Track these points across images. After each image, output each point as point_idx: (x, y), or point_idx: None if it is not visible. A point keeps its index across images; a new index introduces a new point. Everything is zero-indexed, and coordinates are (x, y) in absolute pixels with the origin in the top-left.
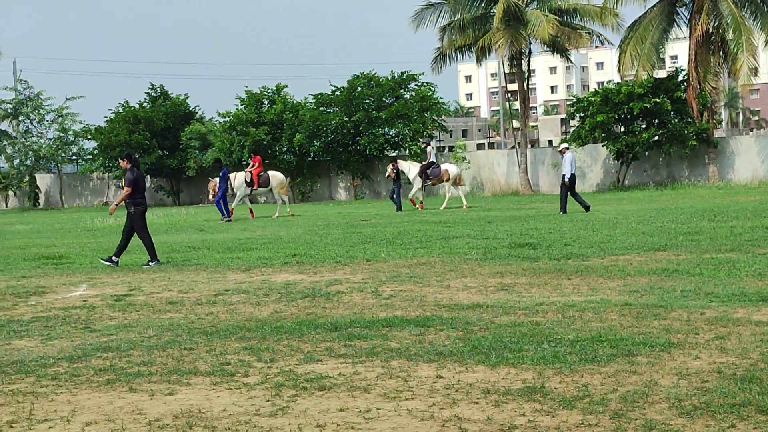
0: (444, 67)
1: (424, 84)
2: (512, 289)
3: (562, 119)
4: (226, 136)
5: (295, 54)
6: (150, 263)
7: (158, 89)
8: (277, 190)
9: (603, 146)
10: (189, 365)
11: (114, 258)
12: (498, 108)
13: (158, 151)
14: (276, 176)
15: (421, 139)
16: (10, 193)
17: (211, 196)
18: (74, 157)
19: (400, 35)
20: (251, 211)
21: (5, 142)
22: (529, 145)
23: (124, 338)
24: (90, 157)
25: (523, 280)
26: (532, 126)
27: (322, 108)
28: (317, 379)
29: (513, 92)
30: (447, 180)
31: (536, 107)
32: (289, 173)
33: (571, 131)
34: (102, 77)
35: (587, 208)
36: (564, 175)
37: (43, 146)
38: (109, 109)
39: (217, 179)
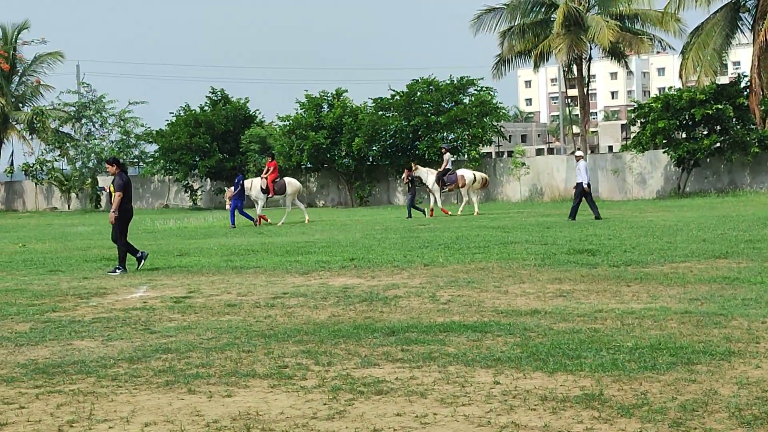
0: (504, 73)
1: (484, 89)
2: (571, 295)
3: (622, 125)
4: (286, 139)
5: (355, 59)
6: (117, 270)
7: (219, 93)
8: (292, 197)
9: (664, 153)
10: (247, 367)
11: (140, 254)
12: (558, 113)
13: (218, 154)
14: (292, 183)
15: (443, 147)
16: (73, 194)
17: (227, 206)
18: (135, 160)
19: (459, 40)
20: (260, 219)
21: (68, 145)
22: (588, 151)
23: (183, 340)
24: (151, 160)
25: (581, 287)
26: (592, 131)
27: (381, 112)
28: (374, 383)
29: (573, 97)
30: (463, 185)
31: (596, 113)
32: (348, 177)
33: (632, 137)
34: (163, 81)
35: (598, 217)
36: (580, 183)
37: (105, 149)
38: (171, 113)
39: (232, 188)
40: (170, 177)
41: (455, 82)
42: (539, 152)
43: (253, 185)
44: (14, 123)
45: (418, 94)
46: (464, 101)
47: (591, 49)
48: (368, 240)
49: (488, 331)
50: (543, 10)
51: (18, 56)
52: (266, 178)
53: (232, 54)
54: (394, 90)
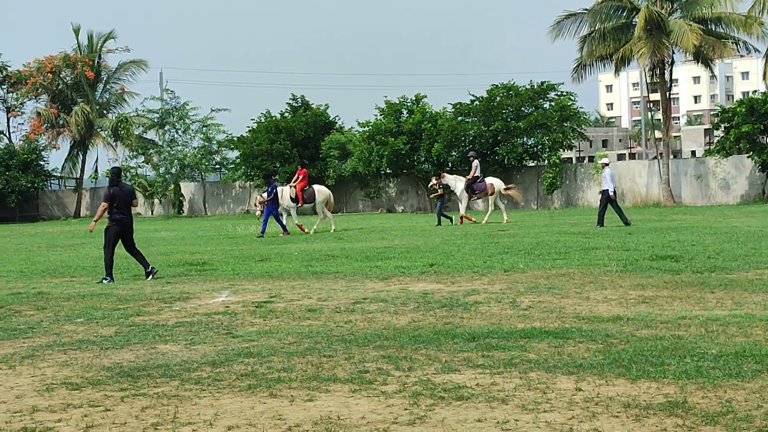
0: (584, 77)
1: (564, 93)
2: (653, 301)
3: (705, 129)
4: (365, 145)
5: (434, 64)
6: (104, 280)
7: (299, 99)
8: (322, 205)
9: (748, 157)
10: (328, 372)
11: (150, 269)
12: (639, 118)
13: (298, 160)
14: (321, 191)
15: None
16: (156, 200)
17: (258, 212)
18: (217, 166)
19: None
20: (299, 227)
21: (152, 151)
22: (671, 156)
23: (264, 344)
24: (233, 166)
25: (664, 293)
26: (675, 136)
27: (460, 118)
28: (455, 389)
29: (655, 102)
30: (492, 194)
31: (679, 117)
32: (427, 183)
33: (716, 142)
34: (245, 87)
35: (627, 223)
36: (606, 190)
37: (188, 155)
38: (252, 119)
39: (265, 193)
40: (251, 183)
41: (535, 86)
42: (620, 157)
43: (283, 194)
44: (99, 130)
45: (498, 99)
46: (544, 106)
47: (673, 53)
48: (448, 245)
49: (569, 337)
50: (624, 14)
51: (103, 64)
52: (295, 186)
53: (312, 60)
54: (473, 95)
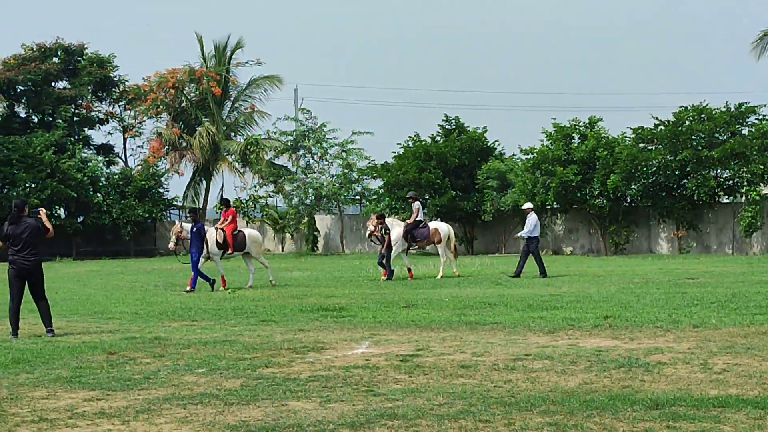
0: None
1: (767, 117)
2: None
3: None
4: (529, 175)
5: (612, 83)
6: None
7: (453, 121)
8: (258, 252)
9: None
10: None
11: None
12: None
13: (451, 191)
14: (253, 236)
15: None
16: (287, 235)
17: (171, 245)
18: (357, 197)
19: (736, 63)
20: (194, 282)
21: (284, 178)
22: None
23: (411, 404)
24: (375, 197)
25: None
26: None
27: (642, 145)
28: None
29: None
30: (438, 242)
31: None
32: (601, 220)
33: None
34: (390, 107)
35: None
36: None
37: (325, 184)
38: (398, 143)
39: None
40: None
41: (732, 110)
42: None
43: (209, 237)
44: (225, 154)
45: (687, 123)
46: (742, 132)
47: None
48: (625, 295)
49: None
50: None
51: (231, 79)
52: (223, 229)
53: (468, 76)
54: (657, 119)
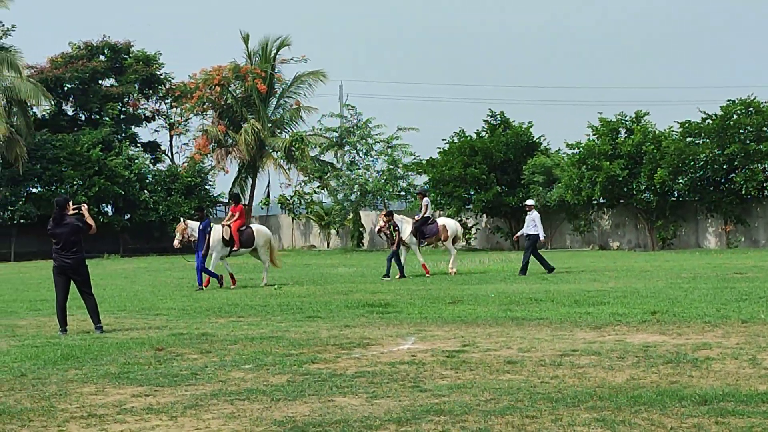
0: None
1: None
2: None
3: None
4: (575, 170)
5: (658, 76)
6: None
7: (498, 117)
8: (264, 249)
9: None
10: None
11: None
12: None
13: (496, 187)
14: (262, 232)
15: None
16: (332, 231)
17: (177, 243)
18: (402, 193)
19: None
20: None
21: (329, 175)
22: None
23: (457, 400)
24: (420, 193)
25: None
26: None
27: (689, 139)
28: None
29: None
30: (446, 239)
31: None
32: (648, 215)
33: None
34: (435, 103)
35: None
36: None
37: (370, 180)
38: (443, 139)
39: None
40: (441, 212)
41: None
42: None
43: (215, 234)
44: (270, 150)
45: (735, 117)
46: None
47: None
48: (673, 290)
49: None
50: None
51: (276, 76)
52: (230, 225)
53: (513, 73)
54: (705, 112)
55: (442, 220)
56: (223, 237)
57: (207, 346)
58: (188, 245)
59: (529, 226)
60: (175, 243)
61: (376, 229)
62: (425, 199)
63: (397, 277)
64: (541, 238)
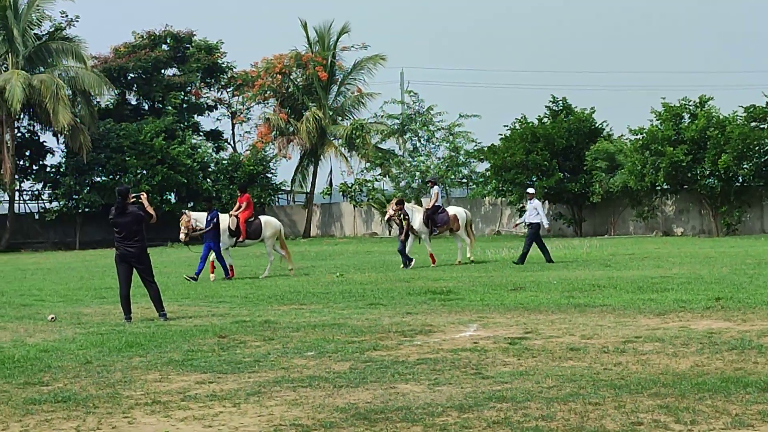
0: None
1: None
2: None
3: None
4: (638, 156)
5: (723, 60)
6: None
7: (560, 102)
8: (272, 241)
9: None
10: (594, 422)
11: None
12: None
13: (558, 173)
14: (271, 223)
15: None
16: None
17: (183, 237)
18: (464, 180)
19: None
20: (226, 270)
21: (390, 162)
22: None
23: (519, 387)
24: (482, 180)
25: None
26: None
27: (754, 123)
28: None
29: None
30: (457, 228)
31: None
32: (713, 201)
33: None
34: (497, 89)
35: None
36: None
37: (432, 167)
38: (504, 126)
39: (198, 220)
40: (503, 200)
41: None
42: None
43: (221, 225)
44: (332, 138)
45: None
46: None
47: None
48: (738, 276)
49: None
50: None
51: (337, 63)
52: (237, 216)
53: (575, 56)
54: None
55: (452, 209)
56: (229, 227)
57: (269, 334)
58: (197, 237)
59: (531, 214)
60: (181, 236)
61: (386, 217)
62: (435, 187)
63: (401, 267)
64: (545, 225)
